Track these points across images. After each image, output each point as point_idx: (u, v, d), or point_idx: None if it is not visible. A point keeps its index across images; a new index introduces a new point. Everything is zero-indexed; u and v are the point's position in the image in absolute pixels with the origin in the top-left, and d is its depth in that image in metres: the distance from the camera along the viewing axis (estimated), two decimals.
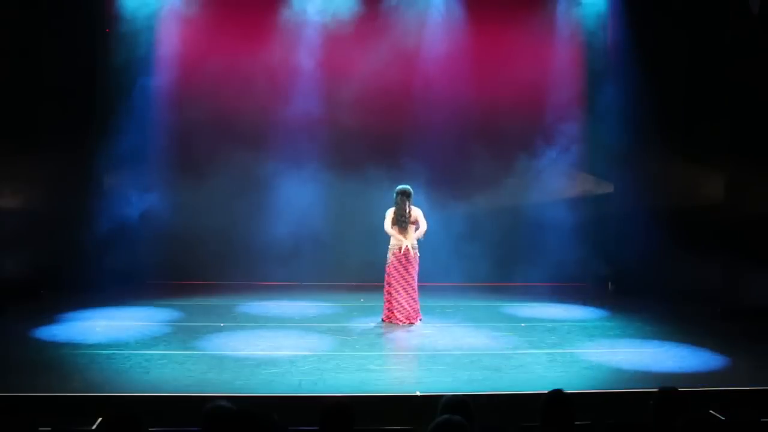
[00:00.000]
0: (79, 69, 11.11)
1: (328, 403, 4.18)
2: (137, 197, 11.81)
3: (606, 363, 7.83)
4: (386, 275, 9.40)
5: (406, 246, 9.26)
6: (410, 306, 9.41)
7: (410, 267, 9.37)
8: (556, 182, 12.77)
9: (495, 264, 12.44)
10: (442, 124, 12.50)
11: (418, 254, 9.44)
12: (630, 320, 9.96)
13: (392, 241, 9.36)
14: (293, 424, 5.05)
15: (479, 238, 12.45)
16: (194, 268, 12.15)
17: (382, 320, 9.47)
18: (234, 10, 12.14)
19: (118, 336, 8.53)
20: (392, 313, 9.40)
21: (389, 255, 9.39)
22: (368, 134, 12.37)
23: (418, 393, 6.64)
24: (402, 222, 9.33)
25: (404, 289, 9.40)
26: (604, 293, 12.20)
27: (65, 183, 11.15)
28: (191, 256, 12.05)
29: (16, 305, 9.81)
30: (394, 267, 9.36)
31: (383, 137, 12.40)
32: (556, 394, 4.26)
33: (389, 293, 9.41)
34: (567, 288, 12.14)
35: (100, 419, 4.13)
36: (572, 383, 6.79)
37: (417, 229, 9.39)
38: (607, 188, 12.75)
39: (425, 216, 9.51)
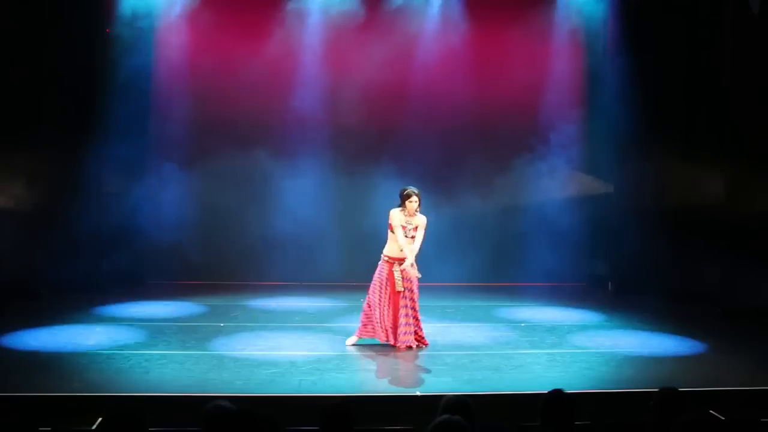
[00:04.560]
0: (79, 68, 11.10)
1: (328, 403, 4.18)
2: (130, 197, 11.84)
3: (606, 363, 7.83)
4: (413, 293, 8.22)
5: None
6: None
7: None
8: (556, 182, 12.76)
9: (495, 264, 12.45)
10: (442, 123, 12.52)
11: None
12: (630, 320, 9.96)
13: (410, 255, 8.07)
14: (293, 424, 5.05)
15: (479, 238, 12.47)
16: (194, 268, 12.14)
17: (413, 347, 8.21)
18: (234, 9, 12.14)
19: (118, 336, 8.54)
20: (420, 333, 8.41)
21: (415, 270, 8.06)
22: (367, 133, 12.38)
23: (418, 393, 6.65)
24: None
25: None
26: (605, 293, 12.19)
27: (64, 183, 11.13)
28: (191, 256, 12.04)
29: (16, 305, 9.82)
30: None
31: (383, 136, 12.40)
32: (556, 394, 4.26)
33: (416, 316, 8.30)
34: (567, 288, 12.14)
35: (100, 419, 4.13)
36: (572, 383, 6.78)
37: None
38: (607, 188, 12.75)
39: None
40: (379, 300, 8.18)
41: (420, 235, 8.10)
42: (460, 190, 12.63)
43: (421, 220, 8.16)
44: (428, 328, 9.01)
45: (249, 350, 8.07)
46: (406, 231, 8.07)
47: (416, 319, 8.25)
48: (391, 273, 8.11)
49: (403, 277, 8.09)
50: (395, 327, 8.14)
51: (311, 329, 9.19)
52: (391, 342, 8.15)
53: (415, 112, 12.40)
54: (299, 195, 12.27)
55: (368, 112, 12.28)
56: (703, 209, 11.06)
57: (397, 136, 12.39)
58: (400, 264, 8.07)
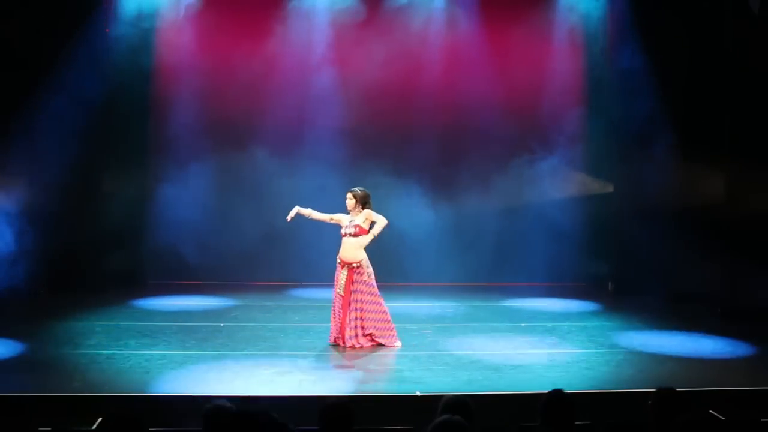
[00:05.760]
0: (78, 68, 11.09)
1: (328, 403, 4.17)
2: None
3: (606, 363, 7.83)
4: (362, 294, 8.25)
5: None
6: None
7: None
8: (557, 182, 12.77)
9: (495, 264, 12.45)
10: (442, 123, 12.52)
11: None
12: (630, 320, 9.96)
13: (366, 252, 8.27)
14: (293, 424, 5.04)
15: (479, 238, 12.47)
16: (194, 268, 12.14)
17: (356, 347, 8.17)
18: (235, 8, 12.15)
19: (118, 336, 8.54)
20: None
21: (369, 268, 8.28)
22: (367, 132, 12.38)
23: (418, 393, 6.65)
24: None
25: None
26: (605, 293, 12.19)
27: (64, 183, 11.12)
28: (191, 256, 12.04)
29: (16, 305, 9.82)
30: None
31: (383, 135, 12.41)
32: (556, 394, 4.26)
33: (384, 311, 8.31)
34: (567, 288, 12.14)
35: (100, 419, 4.12)
36: (572, 383, 6.79)
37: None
38: (608, 188, 12.75)
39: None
40: (336, 303, 8.29)
41: (377, 224, 8.16)
42: (460, 190, 12.63)
43: (360, 216, 8.25)
44: (429, 328, 9.03)
45: (249, 350, 8.07)
46: (345, 228, 8.23)
47: (362, 319, 8.16)
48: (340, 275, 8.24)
49: (349, 280, 8.14)
50: (343, 328, 8.18)
51: (311, 329, 9.19)
52: (340, 343, 8.21)
53: (415, 111, 12.42)
54: (299, 194, 12.22)
55: (368, 111, 12.30)
56: (703, 209, 11.05)
57: (397, 135, 12.39)
58: (350, 266, 8.16)
